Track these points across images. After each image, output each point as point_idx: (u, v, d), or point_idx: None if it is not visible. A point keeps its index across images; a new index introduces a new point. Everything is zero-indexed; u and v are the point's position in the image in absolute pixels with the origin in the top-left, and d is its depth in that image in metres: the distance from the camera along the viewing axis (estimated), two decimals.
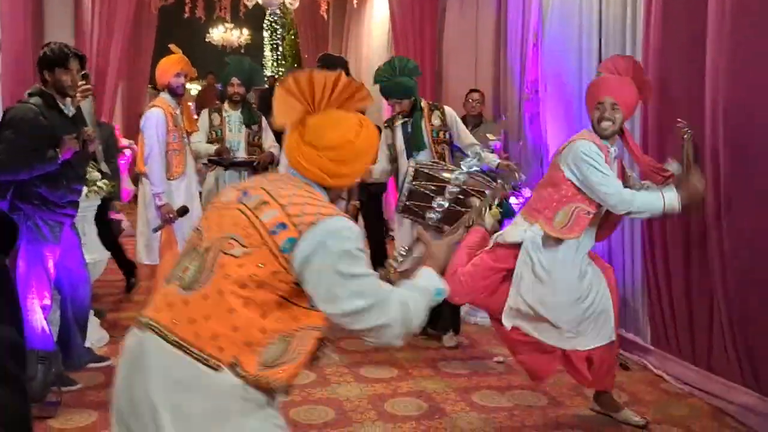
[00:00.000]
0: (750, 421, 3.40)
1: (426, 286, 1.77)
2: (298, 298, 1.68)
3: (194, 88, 15.85)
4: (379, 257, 6.06)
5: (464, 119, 5.82)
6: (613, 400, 3.46)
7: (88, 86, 3.99)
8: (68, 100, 3.56)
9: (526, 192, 5.07)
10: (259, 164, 5.04)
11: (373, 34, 9.41)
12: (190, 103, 8.17)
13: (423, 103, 4.62)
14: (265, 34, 18.17)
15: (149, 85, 7.42)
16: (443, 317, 4.55)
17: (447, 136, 4.58)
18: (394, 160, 4.66)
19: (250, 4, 7.43)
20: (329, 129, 1.75)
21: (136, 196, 6.93)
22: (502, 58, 5.94)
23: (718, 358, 3.75)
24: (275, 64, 17.61)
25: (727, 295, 3.53)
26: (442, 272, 1.86)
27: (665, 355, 4.13)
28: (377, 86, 4.58)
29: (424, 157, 4.51)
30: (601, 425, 3.39)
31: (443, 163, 4.46)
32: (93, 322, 4.23)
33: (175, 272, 1.74)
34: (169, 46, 4.76)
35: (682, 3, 3.85)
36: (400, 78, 4.46)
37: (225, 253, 1.66)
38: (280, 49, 17.23)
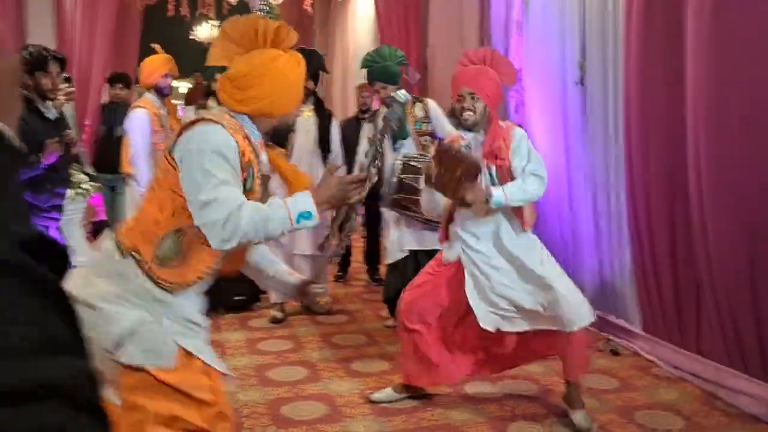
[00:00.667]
0: (740, 403, 3.42)
1: (287, 207, 1.89)
2: None
3: (183, 86, 15.75)
4: (372, 253, 6.08)
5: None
6: (575, 395, 3.31)
7: (72, 89, 3.98)
8: (49, 103, 3.54)
9: None
10: None
11: (359, 27, 9.39)
12: (178, 102, 8.13)
13: None
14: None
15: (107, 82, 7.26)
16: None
17: (430, 128, 4.58)
18: None
19: (234, 0, 7.38)
20: (240, 62, 2.02)
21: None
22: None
23: (706, 341, 3.77)
24: None
25: (712, 278, 3.55)
26: (325, 204, 1.99)
27: (655, 340, 4.15)
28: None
29: (407, 148, 4.52)
30: (592, 412, 3.40)
31: (428, 155, 4.47)
32: None
33: None
34: (153, 46, 4.73)
35: None
36: (388, 63, 4.48)
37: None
38: None
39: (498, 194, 3.12)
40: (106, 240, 1.99)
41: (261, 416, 3.34)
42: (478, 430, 3.25)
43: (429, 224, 4.37)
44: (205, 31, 14.75)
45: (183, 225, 1.89)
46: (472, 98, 3.20)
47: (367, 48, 8.93)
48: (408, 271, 4.58)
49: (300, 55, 2.10)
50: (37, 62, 3.43)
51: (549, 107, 5.08)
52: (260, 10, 13.43)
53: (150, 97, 4.63)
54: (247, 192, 1.94)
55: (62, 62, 3.54)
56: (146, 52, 8.94)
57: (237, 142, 1.90)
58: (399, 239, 4.57)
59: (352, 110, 9.55)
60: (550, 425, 3.31)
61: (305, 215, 1.88)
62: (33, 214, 3.47)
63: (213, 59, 2.06)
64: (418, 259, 4.56)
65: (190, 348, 1.93)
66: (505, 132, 3.27)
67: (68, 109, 4.07)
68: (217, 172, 1.84)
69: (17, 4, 6.22)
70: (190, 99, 12.04)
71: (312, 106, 4.90)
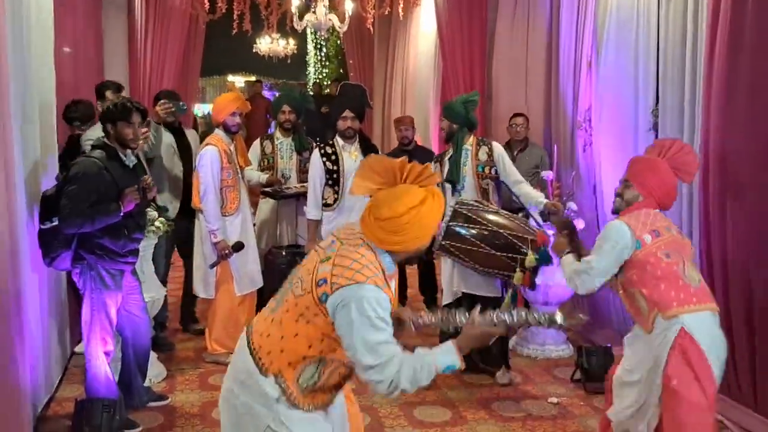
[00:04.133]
0: None
1: (433, 361, 2.07)
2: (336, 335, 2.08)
3: (238, 80, 15.94)
4: (426, 282, 6.09)
5: (508, 144, 5.77)
6: None
7: (147, 131, 4.08)
8: (128, 151, 3.63)
9: (580, 223, 5.01)
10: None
11: (420, 45, 9.38)
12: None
13: (472, 139, 4.63)
14: (309, 31, 18.21)
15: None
16: (492, 352, 4.54)
17: (493, 171, 4.58)
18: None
19: (299, 28, 7.45)
20: (387, 204, 2.09)
21: None
22: (554, 84, 5.85)
23: None
24: (318, 64, 17.64)
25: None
26: (468, 350, 2.14)
27: (725, 399, 4.03)
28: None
29: (468, 192, 4.56)
30: None
31: (485, 203, 4.46)
32: (151, 356, 4.30)
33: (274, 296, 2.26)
34: (227, 83, 4.80)
35: (750, 32, 3.68)
36: (455, 103, 4.66)
37: (292, 290, 2.14)
38: (324, 50, 17.25)
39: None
40: (244, 353, 2.18)
41: None
42: None
43: (479, 272, 4.38)
44: (266, 43, 14.97)
45: (327, 356, 2.11)
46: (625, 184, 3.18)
47: (428, 67, 8.93)
48: None
49: (440, 195, 2.15)
50: (121, 113, 3.52)
51: (618, 150, 4.99)
52: (323, 36, 13.55)
53: (219, 133, 4.69)
54: None
55: (144, 113, 3.62)
56: (205, 58, 9.07)
57: (388, 296, 2.06)
58: (450, 281, 4.58)
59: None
60: None
61: (451, 367, 2.09)
62: (110, 259, 3.56)
63: (357, 190, 2.18)
64: (474, 300, 4.55)
65: None
66: None
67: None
68: (378, 336, 2.01)
69: (96, 32, 6.38)
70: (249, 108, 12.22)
71: (358, 146, 4.89)
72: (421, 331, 2.34)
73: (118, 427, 3.52)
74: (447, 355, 2.08)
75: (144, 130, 3.80)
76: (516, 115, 5.88)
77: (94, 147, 3.59)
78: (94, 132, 4.16)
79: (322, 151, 4.80)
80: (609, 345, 4.61)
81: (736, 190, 3.78)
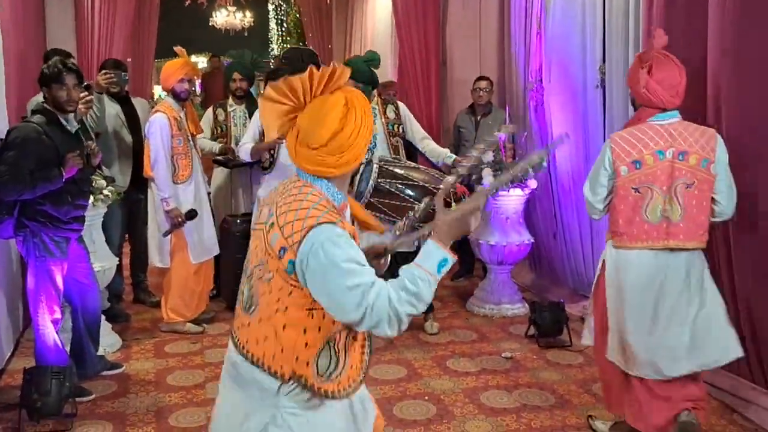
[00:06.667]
0: (758, 418, 3.41)
1: (423, 269, 1.72)
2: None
3: (201, 61, 15.73)
4: None
5: (472, 108, 5.76)
6: None
7: (90, 97, 3.99)
8: (70, 115, 3.55)
9: (532, 183, 5.06)
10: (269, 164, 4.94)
11: (377, 15, 9.31)
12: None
13: (377, 99, 4.74)
14: (270, 7, 18.00)
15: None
16: None
17: (401, 129, 4.75)
18: None
19: None
20: (317, 126, 1.76)
21: None
22: (507, 46, 5.86)
23: None
24: (280, 39, 17.46)
25: (733, 289, 3.53)
26: (451, 240, 1.78)
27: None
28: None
29: (379, 149, 4.66)
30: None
31: (403, 160, 4.62)
32: (105, 326, 4.28)
33: (239, 294, 1.92)
34: (175, 49, 4.72)
35: None
36: (357, 61, 4.72)
37: (260, 279, 1.80)
38: (285, 25, 17.06)
39: None
40: (253, 372, 1.83)
41: None
42: (455, 399, 3.74)
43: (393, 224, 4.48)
44: (222, 17, 14.78)
45: (330, 331, 1.80)
46: None
47: (386, 35, 8.88)
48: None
49: (356, 91, 1.84)
50: (52, 75, 3.44)
51: (568, 109, 5.03)
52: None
53: (169, 100, 4.62)
54: None
55: (78, 74, 3.53)
56: (165, 41, 8.96)
57: (346, 230, 1.73)
58: (368, 238, 4.64)
59: None
60: (518, 395, 3.79)
61: (443, 264, 1.73)
62: (54, 226, 3.51)
63: (271, 129, 1.86)
64: (396, 259, 4.60)
65: None
66: None
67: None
68: (352, 279, 1.67)
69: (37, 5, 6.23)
70: (206, 85, 12.08)
71: None
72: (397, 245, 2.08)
73: (69, 395, 3.48)
74: (432, 256, 1.72)
75: (84, 93, 3.71)
76: (480, 78, 5.69)
77: (33, 112, 3.51)
78: (40, 97, 4.08)
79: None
80: (562, 300, 4.69)
81: None
